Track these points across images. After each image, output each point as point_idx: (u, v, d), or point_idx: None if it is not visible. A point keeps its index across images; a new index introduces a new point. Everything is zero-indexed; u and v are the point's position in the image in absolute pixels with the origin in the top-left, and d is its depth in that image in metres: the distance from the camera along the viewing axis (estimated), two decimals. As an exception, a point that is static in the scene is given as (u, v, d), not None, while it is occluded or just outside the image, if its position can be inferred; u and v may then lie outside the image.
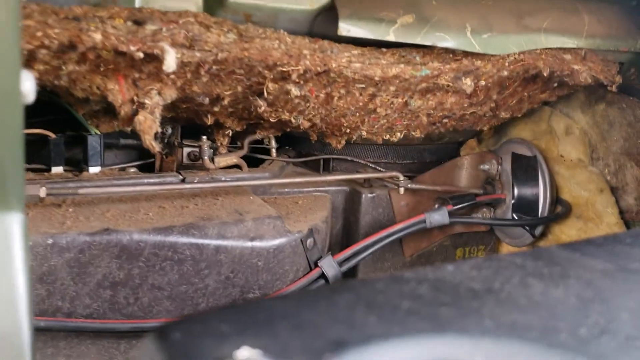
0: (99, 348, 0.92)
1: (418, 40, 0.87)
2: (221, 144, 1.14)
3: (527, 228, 1.21)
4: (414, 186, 1.19)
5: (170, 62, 0.75)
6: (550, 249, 0.47)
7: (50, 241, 0.85)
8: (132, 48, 0.73)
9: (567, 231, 1.20)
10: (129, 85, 0.85)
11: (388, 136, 1.14)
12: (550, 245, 0.48)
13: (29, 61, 0.75)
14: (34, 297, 0.85)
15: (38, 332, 0.87)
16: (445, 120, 1.13)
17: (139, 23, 0.76)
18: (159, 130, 0.86)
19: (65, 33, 0.70)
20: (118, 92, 0.85)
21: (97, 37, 0.71)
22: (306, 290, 0.38)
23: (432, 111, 1.07)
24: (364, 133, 1.11)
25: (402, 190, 1.17)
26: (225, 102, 0.94)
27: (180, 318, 0.35)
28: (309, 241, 1.04)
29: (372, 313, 0.34)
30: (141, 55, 0.74)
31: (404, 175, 1.27)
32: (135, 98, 0.86)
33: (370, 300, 0.36)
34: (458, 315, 0.35)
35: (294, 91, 0.88)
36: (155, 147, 0.86)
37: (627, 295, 0.39)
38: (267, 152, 1.23)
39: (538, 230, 1.21)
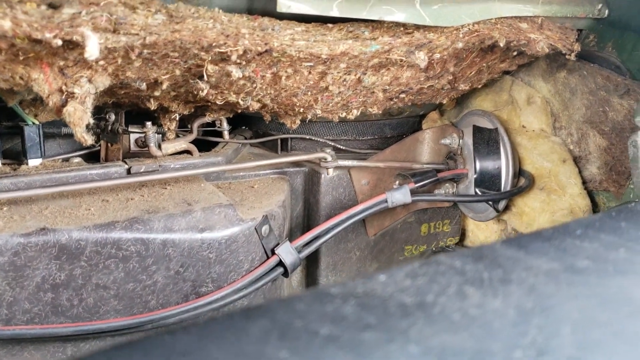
0: (43, 353, 0.87)
1: (364, 15, 0.81)
2: (168, 128, 1.08)
3: (490, 203, 1.18)
4: (344, 163, 1.14)
5: (93, 48, 0.68)
6: (494, 246, 0.43)
7: (-20, 245, 0.79)
8: (48, 35, 0.66)
9: (530, 204, 1.17)
10: (56, 74, 0.79)
11: (344, 114, 1.09)
12: (496, 241, 0.45)
13: None
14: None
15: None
16: (403, 95, 1.09)
17: (54, 6, 0.69)
18: (91, 121, 0.80)
19: (-32, 22, 0.63)
20: (44, 81, 0.79)
21: (6, 24, 0.64)
22: (216, 318, 0.33)
23: (387, 87, 1.02)
24: (319, 111, 1.06)
25: (330, 171, 1.13)
26: (165, 86, 0.88)
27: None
28: (264, 228, 0.99)
29: (284, 345, 0.30)
30: (59, 42, 0.68)
31: (363, 151, 1.24)
32: (63, 87, 0.80)
33: (286, 326, 0.32)
34: (383, 340, 0.31)
35: (236, 73, 0.83)
36: (87, 139, 0.79)
37: (571, 302, 0.36)
38: (220, 134, 1.17)
39: (501, 205, 1.18)
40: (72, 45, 0.72)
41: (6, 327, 0.80)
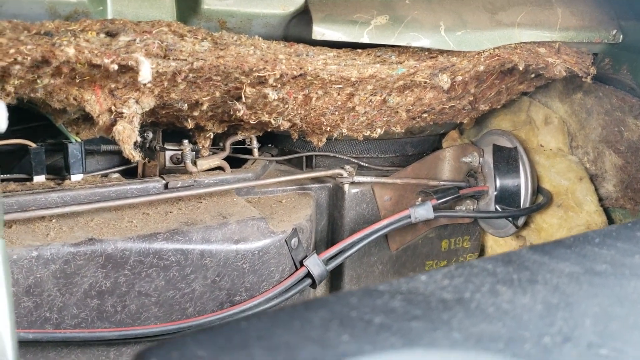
0: (89, 357, 0.93)
1: (392, 41, 0.87)
2: (203, 146, 1.14)
3: (510, 219, 1.23)
4: (364, 179, 1.20)
5: (146, 72, 0.75)
6: (521, 252, 0.48)
7: (34, 254, 0.85)
8: (107, 60, 0.73)
9: (548, 220, 1.21)
10: (106, 96, 0.85)
11: (368, 132, 1.15)
12: (522, 247, 0.50)
13: (3, 77, 0.75)
14: (21, 310, 0.85)
15: (27, 344, 0.88)
16: (425, 115, 1.14)
17: (111, 35, 0.76)
18: (139, 139, 0.86)
19: (38, 49, 0.70)
20: (95, 102, 0.85)
21: (70, 51, 0.71)
22: (281, 309, 0.39)
23: (411, 107, 1.08)
24: (345, 130, 1.12)
25: (346, 187, 1.18)
26: (204, 107, 0.94)
27: (157, 344, 0.36)
28: (294, 241, 1.04)
29: (345, 330, 0.35)
30: (116, 67, 0.74)
31: (385, 168, 1.29)
32: (113, 108, 0.86)
33: (344, 316, 0.37)
34: (428, 328, 0.36)
35: (272, 95, 0.89)
36: (135, 156, 0.86)
37: (592, 299, 0.40)
38: (250, 152, 1.23)
39: (521, 221, 1.23)
40: (125, 69, 0.79)
41: (57, 330, 0.86)
